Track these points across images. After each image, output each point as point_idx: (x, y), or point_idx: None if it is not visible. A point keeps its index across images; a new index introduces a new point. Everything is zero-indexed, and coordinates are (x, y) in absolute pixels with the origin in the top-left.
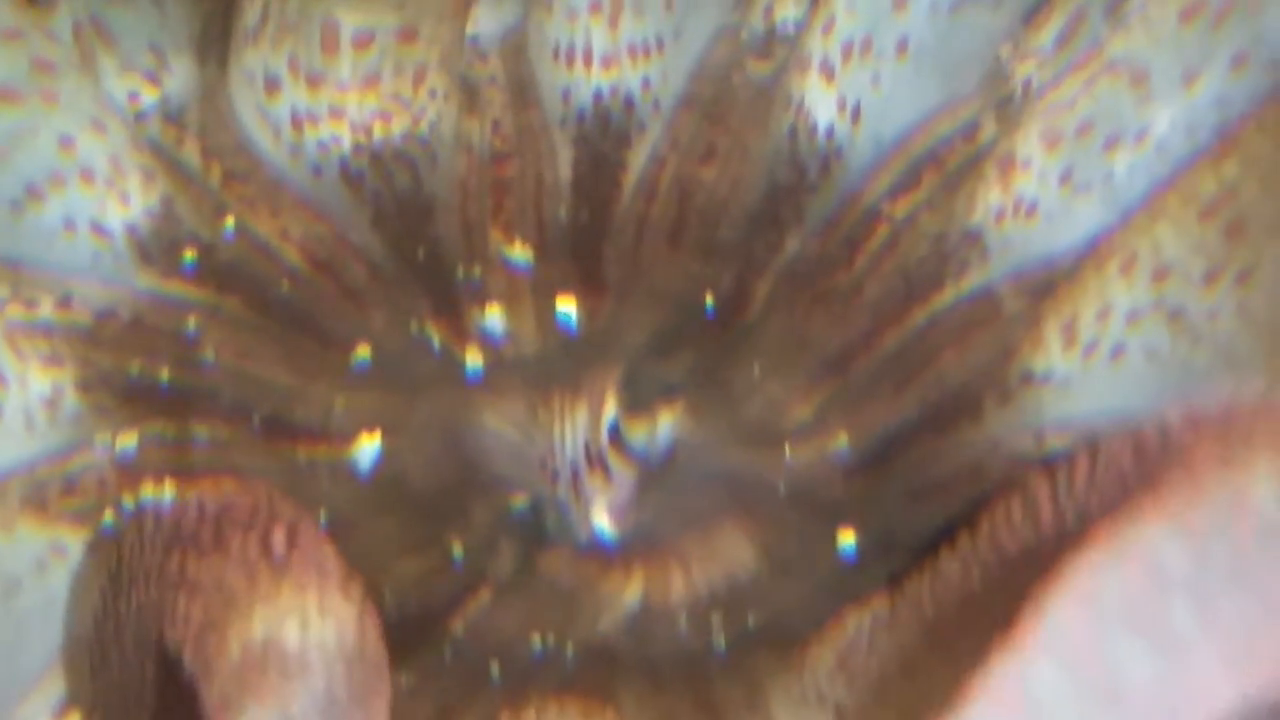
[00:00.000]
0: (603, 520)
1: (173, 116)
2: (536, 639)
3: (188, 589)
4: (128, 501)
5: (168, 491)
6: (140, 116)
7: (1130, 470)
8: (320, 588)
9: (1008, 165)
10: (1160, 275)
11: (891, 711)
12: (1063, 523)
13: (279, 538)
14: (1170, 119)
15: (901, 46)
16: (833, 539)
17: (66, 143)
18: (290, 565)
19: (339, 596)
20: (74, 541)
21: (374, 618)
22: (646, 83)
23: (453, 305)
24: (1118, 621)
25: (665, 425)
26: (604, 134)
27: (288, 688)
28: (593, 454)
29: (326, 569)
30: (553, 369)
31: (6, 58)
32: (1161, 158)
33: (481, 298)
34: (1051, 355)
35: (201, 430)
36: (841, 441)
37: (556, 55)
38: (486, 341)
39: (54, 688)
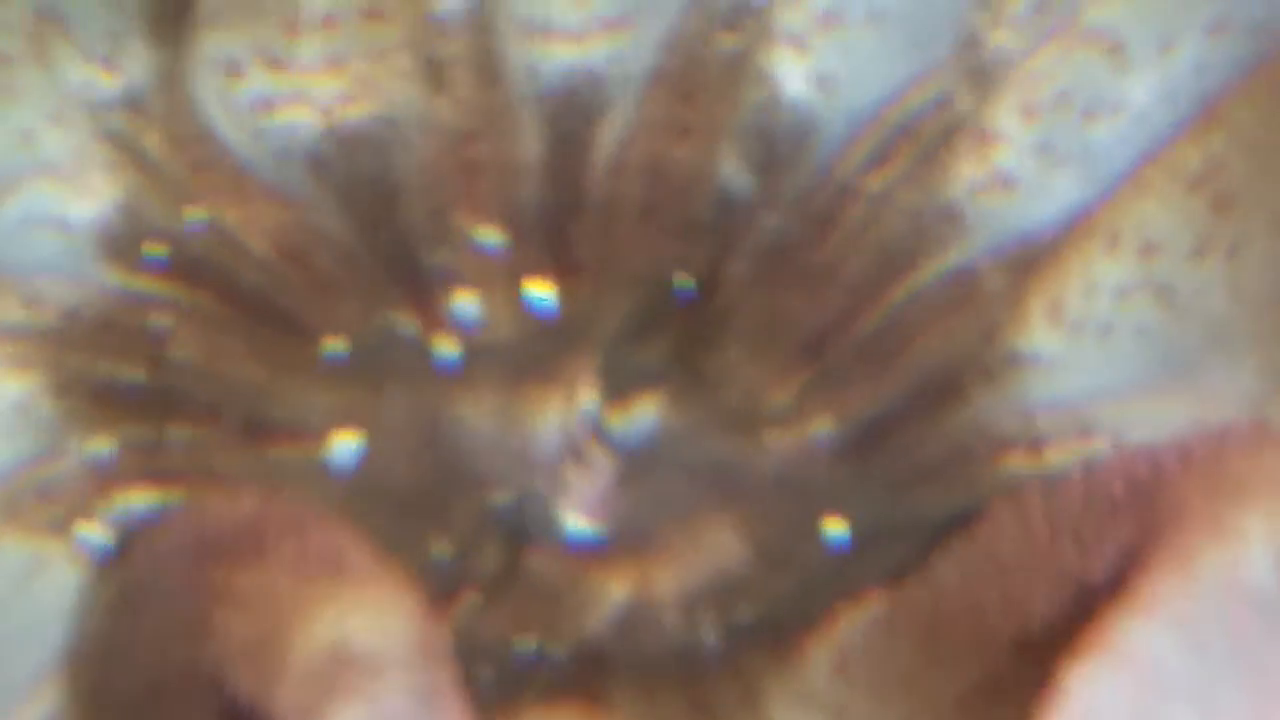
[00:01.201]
0: (585, 513)
1: (134, 105)
2: (525, 641)
3: (230, 602)
4: (105, 509)
5: (151, 498)
6: (100, 106)
7: (1122, 500)
8: (379, 586)
9: (984, 137)
10: (1147, 251)
11: None
12: (1058, 543)
13: (323, 541)
14: (1149, 88)
15: (871, 15)
16: (821, 528)
17: (27, 137)
18: (344, 567)
19: (399, 593)
20: (55, 553)
21: (434, 612)
22: (615, 58)
23: (424, 291)
24: None
25: (644, 413)
26: (573, 111)
27: (375, 685)
28: (572, 445)
29: (378, 568)
30: (528, 356)
31: None
32: (1142, 128)
33: (453, 283)
34: (1038, 335)
35: (176, 432)
36: (824, 426)
37: (523, 31)
38: (459, 328)
39: (40, 706)
